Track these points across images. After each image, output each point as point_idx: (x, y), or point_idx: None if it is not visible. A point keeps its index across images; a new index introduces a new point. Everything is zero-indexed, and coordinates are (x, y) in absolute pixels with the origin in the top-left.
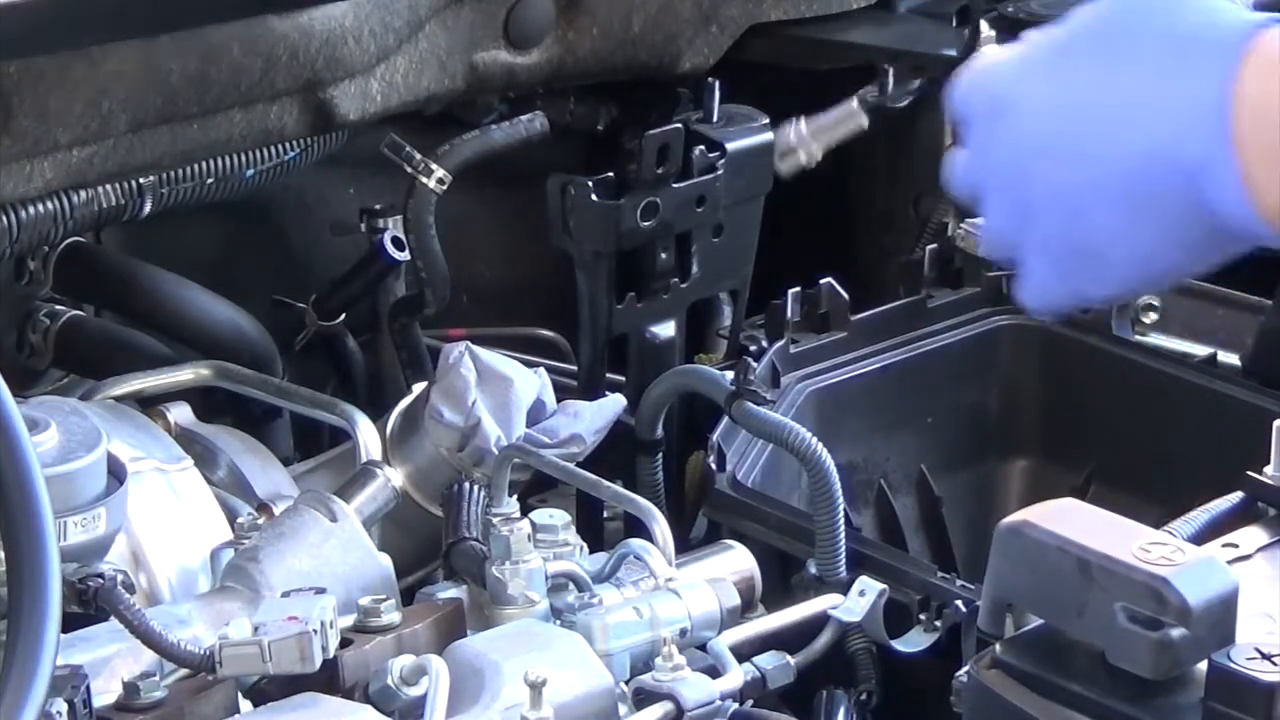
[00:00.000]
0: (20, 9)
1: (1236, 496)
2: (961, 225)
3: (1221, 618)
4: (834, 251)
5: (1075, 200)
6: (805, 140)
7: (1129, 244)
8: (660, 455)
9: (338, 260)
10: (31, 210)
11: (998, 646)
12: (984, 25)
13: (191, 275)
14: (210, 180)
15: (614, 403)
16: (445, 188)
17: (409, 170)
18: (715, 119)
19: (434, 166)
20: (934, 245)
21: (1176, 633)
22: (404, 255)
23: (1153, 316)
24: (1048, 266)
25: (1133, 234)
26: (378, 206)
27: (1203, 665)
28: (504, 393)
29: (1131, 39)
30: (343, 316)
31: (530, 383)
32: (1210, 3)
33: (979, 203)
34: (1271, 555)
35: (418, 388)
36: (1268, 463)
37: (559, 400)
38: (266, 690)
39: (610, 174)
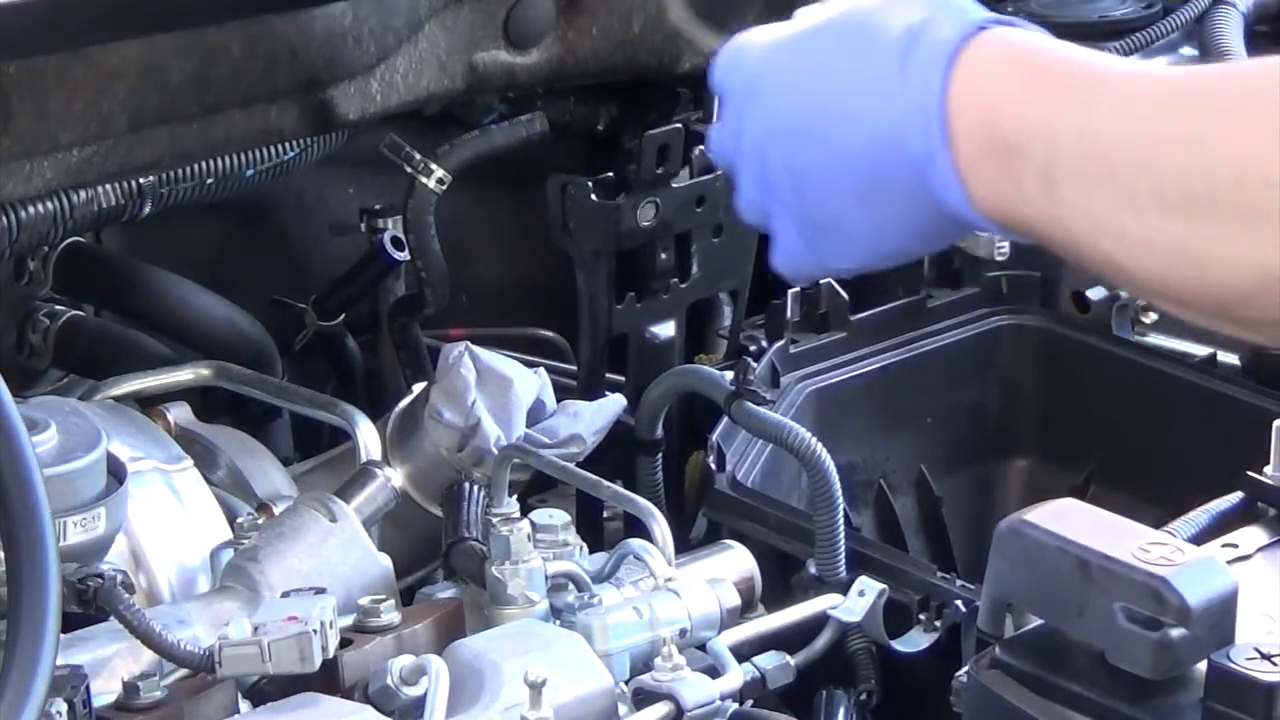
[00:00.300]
0: (20, 9)
1: (1236, 496)
2: None
3: (1221, 618)
4: None
5: (812, 180)
6: None
7: (861, 225)
8: (660, 455)
9: (338, 260)
10: (31, 210)
11: (997, 646)
12: None
13: (191, 275)
14: (210, 180)
15: (614, 403)
16: (445, 188)
17: (409, 170)
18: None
19: (434, 166)
20: None
21: (1176, 633)
22: (404, 255)
23: (1153, 316)
24: (794, 237)
25: (864, 216)
26: (378, 206)
27: (1202, 665)
28: (504, 393)
29: (868, 31)
30: (342, 316)
31: (530, 383)
32: (924, 5)
33: (732, 174)
34: (1271, 555)
35: (418, 388)
36: (1268, 463)
37: (559, 400)
38: (266, 690)
39: (610, 174)
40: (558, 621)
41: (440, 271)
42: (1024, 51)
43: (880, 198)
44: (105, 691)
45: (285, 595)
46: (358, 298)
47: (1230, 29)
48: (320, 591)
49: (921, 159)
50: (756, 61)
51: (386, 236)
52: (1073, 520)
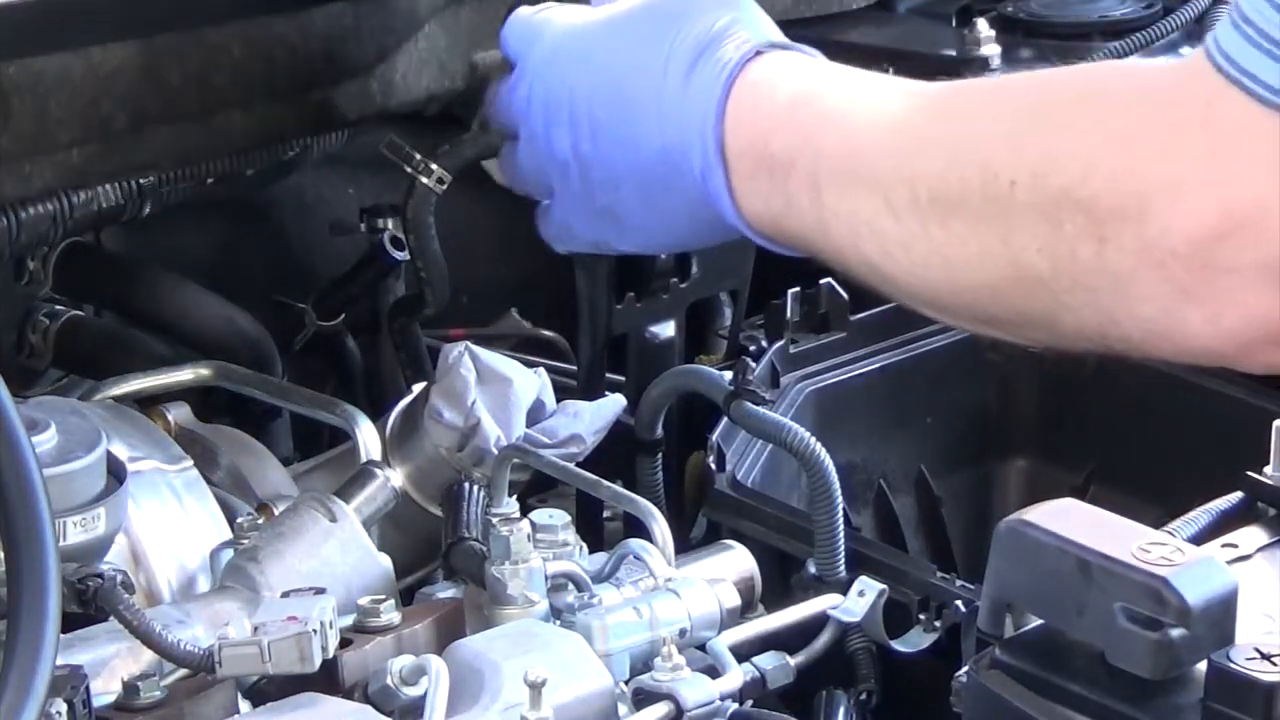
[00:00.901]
0: (20, 9)
1: (1236, 496)
2: None
3: (1221, 618)
4: None
5: (598, 172)
6: None
7: (643, 219)
8: (660, 455)
9: (338, 260)
10: (31, 210)
11: (997, 647)
12: (984, 25)
13: (191, 275)
14: (210, 180)
15: (614, 403)
16: (445, 187)
17: (408, 170)
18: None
19: (433, 166)
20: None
21: (1176, 633)
22: (404, 255)
23: None
24: (571, 216)
25: (647, 212)
26: (377, 206)
27: (1202, 665)
28: (504, 393)
29: (661, 42)
30: (342, 317)
31: (530, 383)
32: (734, 17)
33: (508, 134)
34: (1271, 555)
35: (418, 388)
36: (1268, 463)
37: (559, 400)
38: (266, 690)
39: None
40: (558, 621)
41: (440, 271)
42: (793, 73)
43: (664, 200)
44: (105, 691)
45: (285, 595)
46: (358, 298)
47: None
48: (320, 591)
49: (701, 174)
50: (559, 38)
51: (386, 237)
52: (1073, 520)
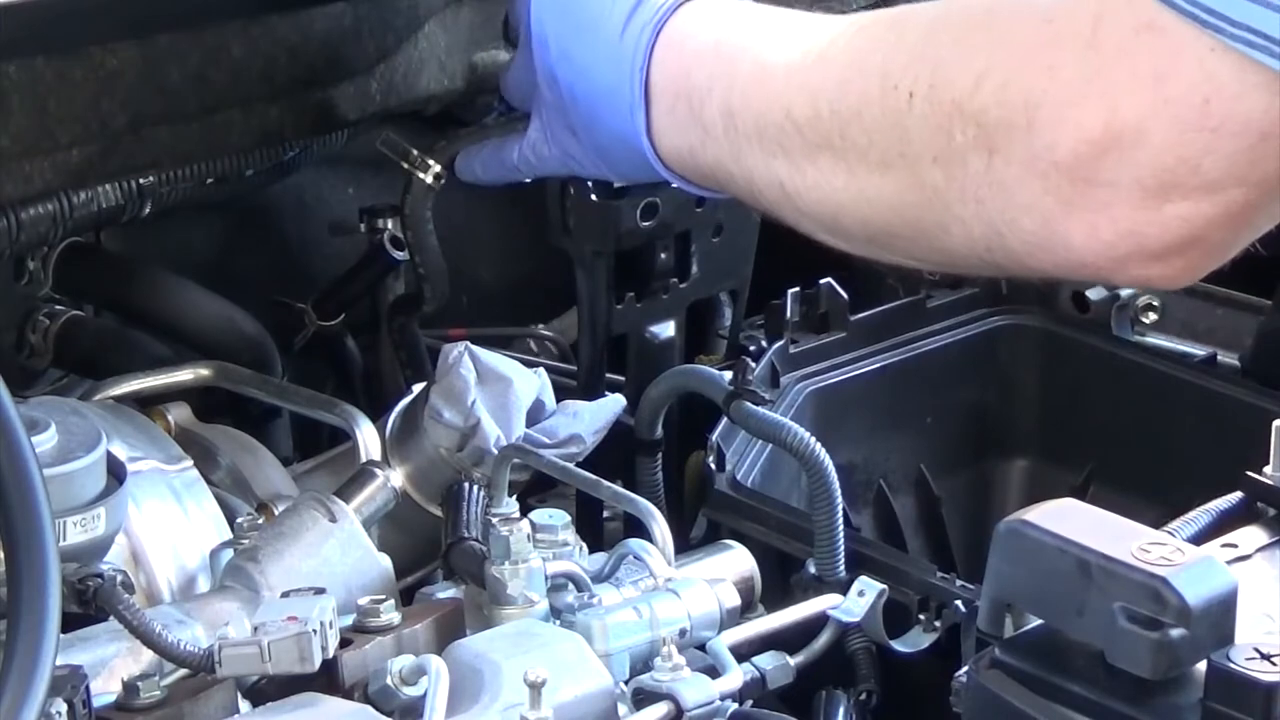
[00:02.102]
0: (20, 9)
1: (1236, 496)
2: None
3: (1221, 618)
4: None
5: (567, 91)
6: None
7: (593, 142)
8: (660, 455)
9: (337, 260)
10: (31, 210)
11: (997, 647)
12: None
13: (191, 275)
14: (210, 180)
15: (614, 403)
16: (442, 183)
17: (405, 166)
18: None
19: (430, 162)
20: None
21: (1176, 633)
22: (403, 255)
23: (1152, 316)
24: (545, 129)
25: (596, 137)
26: (377, 206)
27: (1202, 665)
28: (504, 393)
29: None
30: (342, 317)
31: (530, 383)
32: None
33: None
34: (1271, 555)
35: (418, 388)
36: (1267, 463)
37: (559, 400)
38: (266, 690)
39: None
40: (557, 621)
41: (439, 267)
42: (722, 14)
43: (606, 130)
44: (105, 691)
45: (285, 595)
46: (357, 298)
47: None
48: (320, 591)
49: (629, 111)
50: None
51: (386, 237)
52: (1073, 520)
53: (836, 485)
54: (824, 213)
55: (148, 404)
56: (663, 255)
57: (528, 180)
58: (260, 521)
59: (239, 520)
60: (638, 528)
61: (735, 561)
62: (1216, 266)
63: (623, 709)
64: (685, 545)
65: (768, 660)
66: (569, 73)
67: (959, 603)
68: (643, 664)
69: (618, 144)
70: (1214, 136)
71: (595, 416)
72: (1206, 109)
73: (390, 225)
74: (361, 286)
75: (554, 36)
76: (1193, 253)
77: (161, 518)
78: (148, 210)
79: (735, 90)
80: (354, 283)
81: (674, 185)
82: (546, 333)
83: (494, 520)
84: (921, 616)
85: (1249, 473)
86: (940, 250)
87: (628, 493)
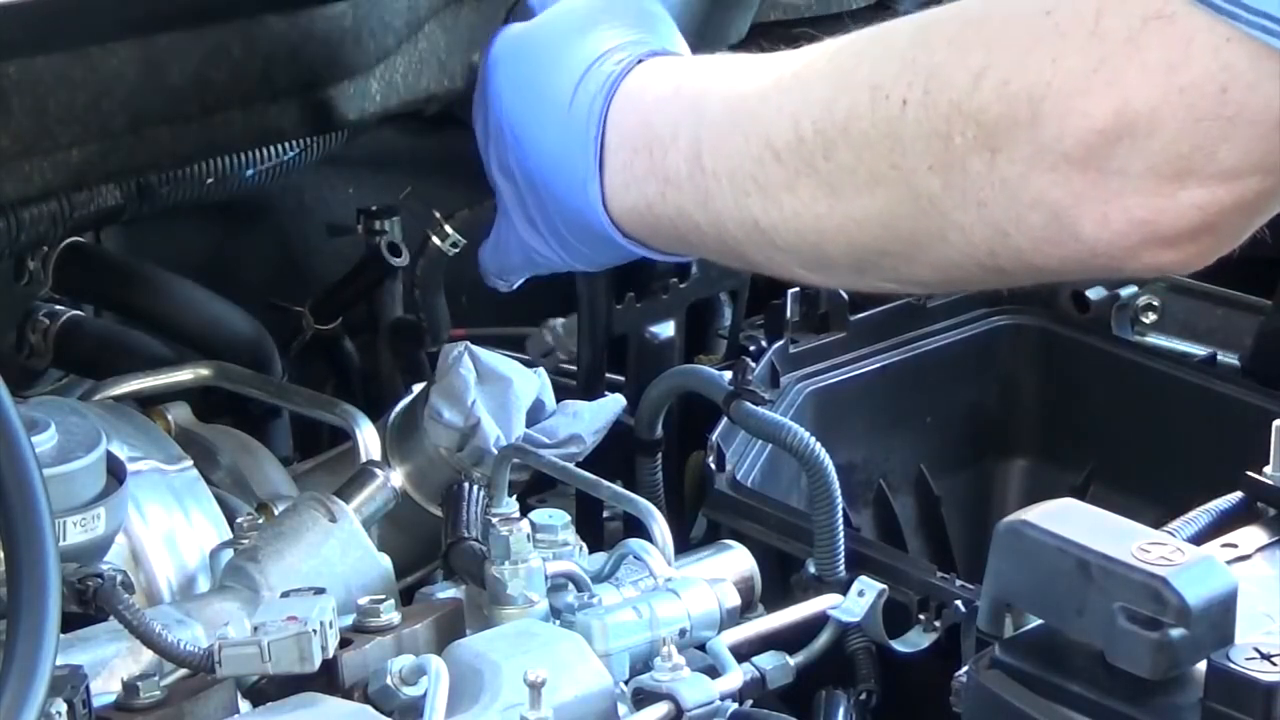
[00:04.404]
0: (20, 9)
1: (1236, 496)
2: None
3: (1220, 618)
4: None
5: (519, 194)
6: None
7: (554, 237)
8: (660, 455)
9: (337, 261)
10: (31, 210)
11: (997, 647)
12: None
13: (191, 275)
14: (210, 180)
15: (614, 403)
16: (457, 251)
17: (425, 231)
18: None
19: (448, 230)
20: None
21: (1175, 633)
22: (401, 261)
23: (1152, 316)
24: (507, 230)
25: (554, 230)
26: (376, 208)
27: (1202, 665)
28: (503, 393)
29: (557, 57)
30: (339, 320)
31: (530, 383)
32: (629, 32)
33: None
34: (1271, 555)
35: (417, 388)
36: (1267, 463)
37: (559, 400)
38: (266, 690)
39: None
40: (557, 621)
41: (443, 324)
42: (680, 66)
43: (560, 210)
44: (105, 691)
45: (285, 595)
46: (355, 302)
47: None
48: (320, 591)
49: (581, 182)
50: (497, 48)
51: (384, 243)
52: (1073, 520)
53: (836, 485)
54: (804, 244)
55: (148, 404)
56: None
57: (510, 286)
58: (260, 521)
59: (239, 520)
60: (638, 528)
61: (735, 561)
62: (1228, 250)
63: (623, 709)
64: (685, 545)
65: (768, 660)
66: (522, 155)
67: (959, 603)
68: (643, 664)
69: (575, 223)
70: (1230, 124)
71: (595, 416)
72: (1223, 97)
73: (388, 229)
74: (359, 290)
75: (508, 121)
76: (1206, 239)
77: (161, 518)
78: (148, 210)
79: (704, 128)
80: (351, 287)
81: (636, 254)
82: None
83: (494, 520)
84: (921, 616)
85: (1249, 473)
86: (935, 263)
87: (628, 493)
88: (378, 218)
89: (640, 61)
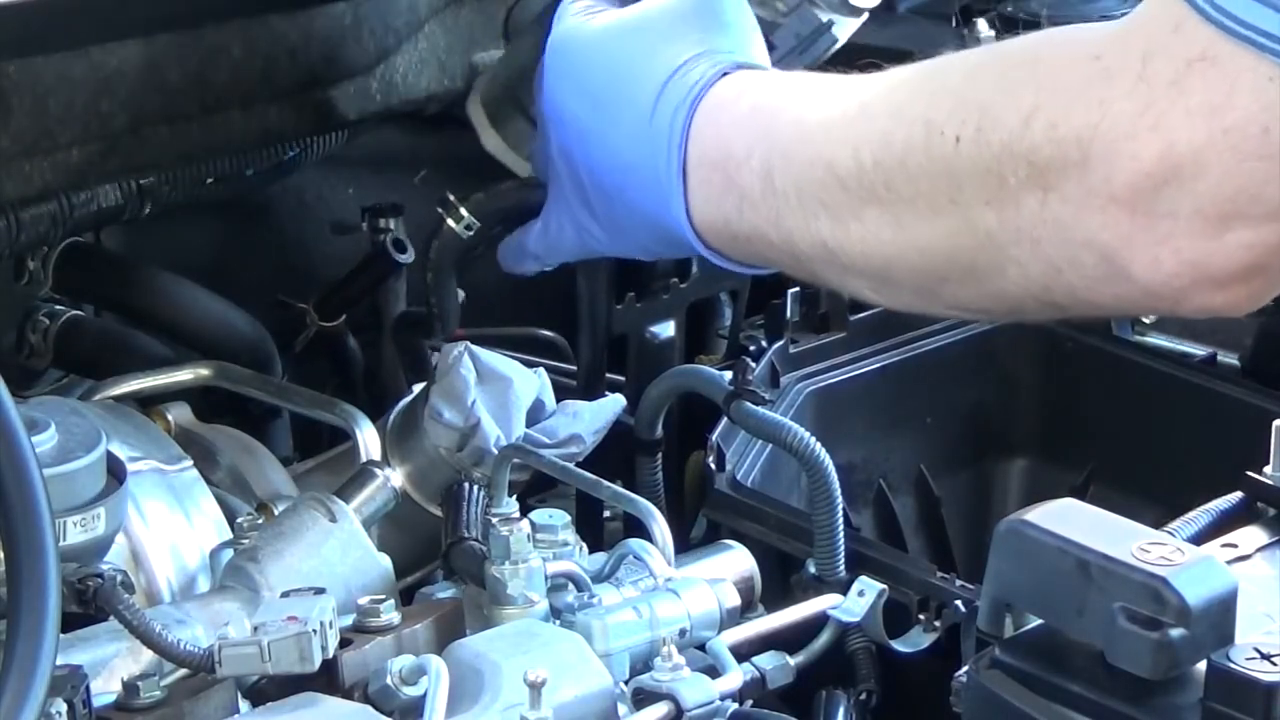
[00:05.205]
0: (20, 9)
1: (1236, 496)
2: None
3: (1221, 618)
4: None
5: (585, 173)
6: None
7: (615, 223)
8: (660, 455)
9: (338, 260)
10: (31, 210)
11: (997, 647)
12: (984, 25)
13: (191, 275)
14: (210, 180)
15: (614, 403)
16: (471, 234)
17: (439, 211)
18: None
19: (464, 212)
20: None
21: (1176, 633)
22: (406, 258)
23: (1152, 316)
24: (562, 214)
25: (618, 217)
26: (381, 205)
27: (1202, 665)
28: (504, 393)
29: (636, 64)
30: (344, 317)
31: (530, 383)
32: (711, 40)
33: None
34: (1271, 555)
35: (418, 388)
36: (1267, 463)
37: (559, 400)
38: (266, 690)
39: None
40: (558, 621)
41: (453, 310)
42: (760, 84)
43: (631, 209)
44: (105, 691)
45: (285, 595)
46: (359, 299)
47: None
48: (320, 591)
49: (663, 189)
50: (567, 40)
51: (389, 239)
52: (1073, 520)
53: (836, 485)
54: (872, 267)
55: (148, 404)
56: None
57: (549, 268)
58: (260, 521)
59: (239, 520)
60: (638, 528)
61: (735, 561)
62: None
63: (623, 709)
64: (685, 545)
65: (768, 660)
66: (588, 152)
67: (959, 603)
68: (643, 664)
69: (642, 221)
70: (1275, 164)
71: (595, 416)
72: (1266, 138)
73: (394, 226)
74: (363, 287)
75: (571, 117)
76: (1257, 280)
77: (161, 518)
78: (148, 210)
79: (775, 151)
80: (356, 284)
81: (711, 260)
82: (547, 333)
83: (494, 520)
84: (921, 616)
85: (1249, 473)
86: (994, 294)
87: (628, 493)
88: (383, 215)
89: (724, 74)
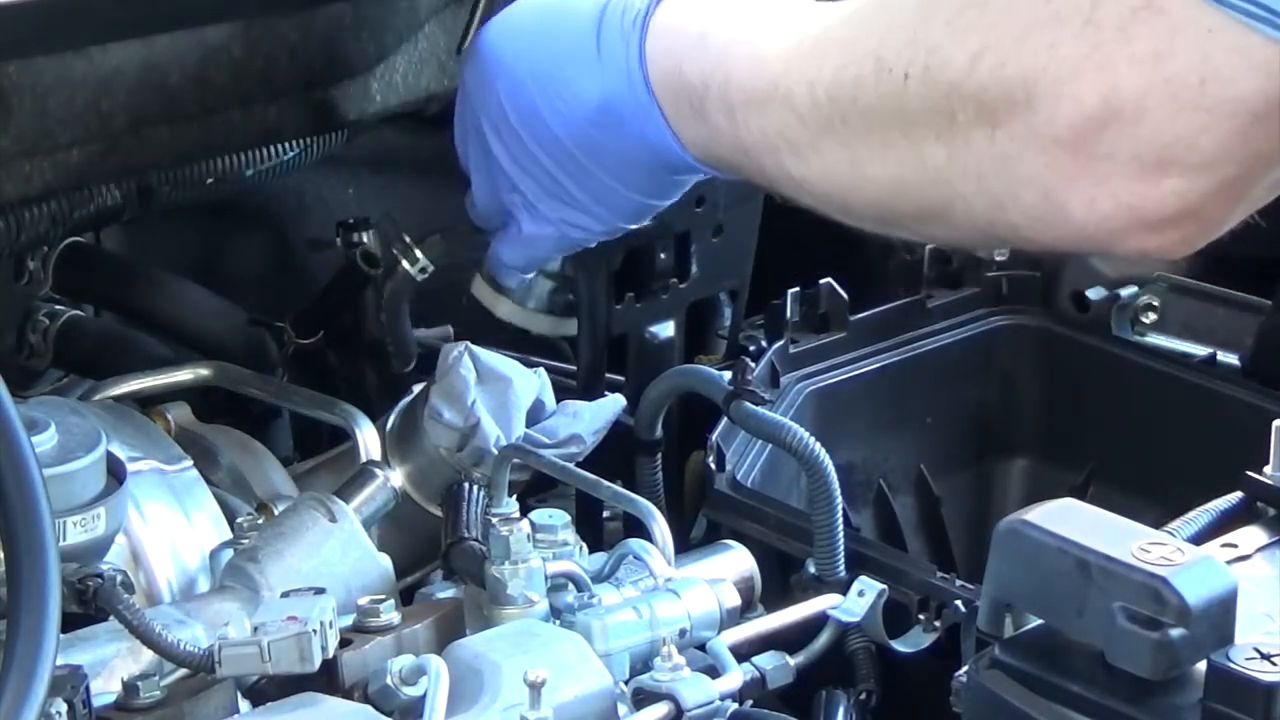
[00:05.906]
0: (20, 9)
1: (1236, 496)
2: None
3: (1221, 618)
4: (833, 251)
5: (547, 171)
6: None
7: (594, 196)
8: (660, 455)
9: (336, 262)
10: (31, 210)
11: (997, 647)
12: None
13: (191, 275)
14: (210, 180)
15: (614, 403)
16: (426, 277)
17: (394, 253)
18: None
19: (418, 255)
20: (933, 245)
21: (1175, 633)
22: (377, 272)
23: (1152, 316)
24: (531, 213)
25: (597, 187)
26: (354, 220)
27: (1202, 665)
28: (503, 393)
29: (563, 13)
30: (321, 334)
31: (530, 383)
32: None
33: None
34: (1271, 555)
35: (417, 388)
36: (1267, 463)
37: (559, 400)
38: (266, 690)
39: None
40: (557, 621)
41: (408, 350)
42: (701, 7)
43: (611, 156)
44: (105, 691)
45: (285, 595)
46: (334, 314)
47: None
48: (320, 591)
49: (635, 119)
50: (485, 37)
51: (359, 253)
52: (1072, 520)
53: (836, 485)
54: (833, 197)
55: (148, 404)
56: (662, 255)
57: (528, 277)
58: (260, 521)
59: (239, 520)
60: (638, 528)
61: (735, 561)
62: (1213, 238)
63: (623, 709)
64: (685, 545)
65: (768, 660)
66: (545, 123)
67: (959, 603)
68: (643, 664)
69: (629, 161)
70: (1209, 116)
71: (595, 416)
72: (1203, 89)
73: (365, 240)
74: (337, 303)
75: (522, 101)
76: (1188, 226)
77: (161, 518)
78: (148, 210)
79: (731, 86)
80: (329, 299)
81: (689, 183)
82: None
83: (494, 520)
84: (921, 616)
85: (1249, 473)
86: (945, 227)
87: (628, 493)
88: (355, 230)
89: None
